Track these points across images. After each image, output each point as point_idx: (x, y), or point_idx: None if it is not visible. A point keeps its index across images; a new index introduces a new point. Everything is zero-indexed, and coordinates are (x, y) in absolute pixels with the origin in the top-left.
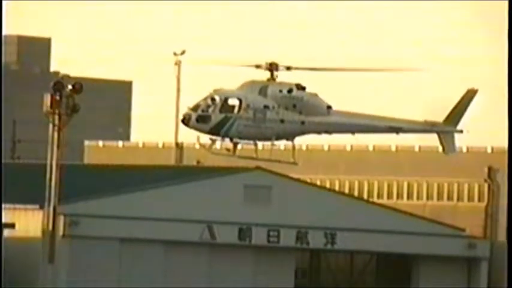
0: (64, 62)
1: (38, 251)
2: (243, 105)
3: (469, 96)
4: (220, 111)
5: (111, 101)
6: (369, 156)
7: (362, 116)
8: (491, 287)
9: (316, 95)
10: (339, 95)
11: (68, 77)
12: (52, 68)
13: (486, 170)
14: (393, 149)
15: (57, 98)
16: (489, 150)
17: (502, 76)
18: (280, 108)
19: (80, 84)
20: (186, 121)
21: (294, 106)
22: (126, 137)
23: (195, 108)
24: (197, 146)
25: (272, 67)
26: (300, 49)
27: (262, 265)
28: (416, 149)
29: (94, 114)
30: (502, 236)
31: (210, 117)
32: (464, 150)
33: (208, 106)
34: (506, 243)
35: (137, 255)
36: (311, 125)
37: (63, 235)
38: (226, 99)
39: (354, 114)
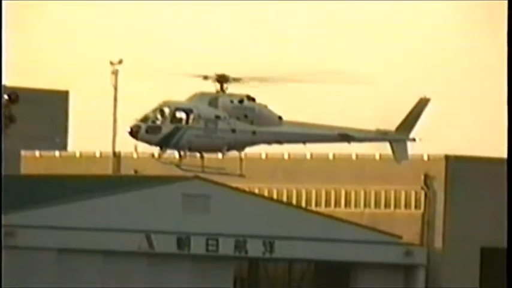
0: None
1: None
2: (194, 115)
3: (422, 104)
4: (171, 122)
5: (47, 111)
6: (306, 165)
7: (313, 125)
8: None
9: (266, 106)
10: (287, 106)
11: (4, 87)
12: None
13: (422, 177)
14: (330, 157)
15: None
16: (425, 158)
17: (453, 82)
18: (231, 119)
19: (15, 94)
20: (134, 133)
21: (246, 116)
22: (63, 146)
23: (143, 119)
24: (135, 156)
25: (222, 79)
26: (244, 60)
27: (201, 274)
28: (354, 157)
29: (30, 124)
30: (438, 243)
31: (160, 128)
32: None
33: (158, 117)
34: (443, 249)
35: (75, 265)
36: (262, 135)
37: (0, 246)
38: (176, 110)
39: (305, 124)
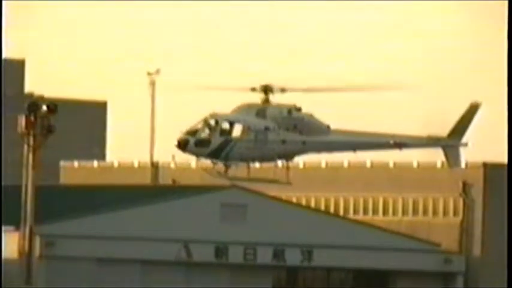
0: (38, 83)
1: (15, 272)
2: (243, 127)
3: (473, 109)
4: (220, 134)
5: (86, 121)
6: (344, 173)
7: (363, 133)
8: None
9: (312, 115)
10: (333, 115)
11: (42, 98)
12: (26, 89)
13: (461, 185)
14: (368, 165)
15: (32, 119)
16: (463, 166)
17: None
18: (280, 129)
19: (54, 105)
20: (182, 146)
21: (295, 126)
22: (102, 157)
23: (191, 132)
24: (172, 165)
25: (267, 89)
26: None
27: (239, 283)
28: (391, 165)
29: (69, 135)
30: (477, 250)
31: (210, 141)
32: (439, 165)
33: (206, 130)
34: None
35: (114, 275)
36: (312, 144)
37: (40, 256)
38: (224, 122)
39: (355, 132)
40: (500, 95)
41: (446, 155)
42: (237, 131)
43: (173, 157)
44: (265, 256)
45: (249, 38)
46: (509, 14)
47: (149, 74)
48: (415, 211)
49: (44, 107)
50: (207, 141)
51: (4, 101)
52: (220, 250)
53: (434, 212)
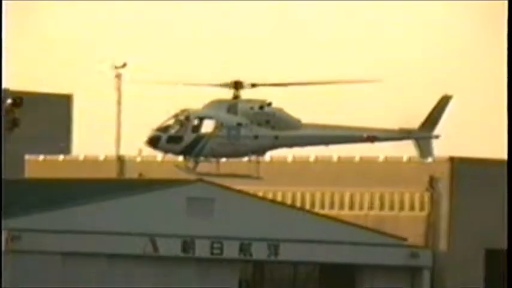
0: (3, 76)
1: None
2: (216, 124)
3: (444, 101)
4: (192, 131)
5: (51, 115)
6: (311, 168)
7: (335, 127)
8: None
9: (282, 109)
10: (303, 109)
11: (7, 91)
12: None
13: (427, 179)
14: (335, 159)
15: None
16: (430, 159)
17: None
18: (253, 125)
19: (20, 98)
20: (153, 142)
21: (267, 122)
22: (67, 150)
23: (162, 129)
24: (139, 159)
25: (237, 85)
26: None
27: (205, 277)
28: (358, 160)
29: (34, 128)
30: (443, 245)
31: (182, 137)
32: (405, 160)
33: (178, 126)
34: (448, 251)
35: (80, 269)
36: (285, 139)
37: (6, 250)
38: (197, 119)
39: (326, 126)
40: (468, 89)
41: (418, 146)
42: (209, 127)
43: (139, 151)
44: (232, 250)
45: (219, 31)
46: (509, 14)
47: (116, 67)
48: (381, 206)
49: (9, 101)
50: (179, 138)
51: None
52: (187, 244)
53: (401, 207)
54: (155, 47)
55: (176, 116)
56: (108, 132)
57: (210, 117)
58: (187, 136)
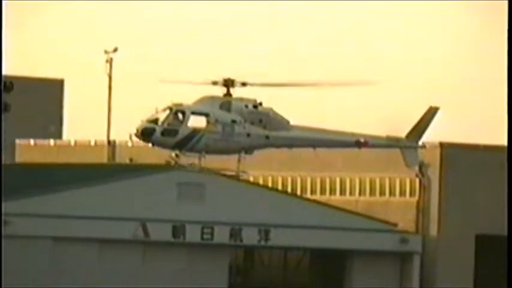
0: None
1: None
2: (211, 119)
3: (431, 112)
4: (187, 125)
5: (42, 100)
6: (301, 153)
7: (323, 131)
8: (423, 281)
9: (272, 109)
10: (289, 111)
11: None
12: None
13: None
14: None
15: None
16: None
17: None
18: (246, 123)
19: (10, 83)
20: (146, 135)
21: (260, 121)
22: (58, 135)
23: (154, 121)
24: (130, 144)
25: (228, 83)
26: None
27: (196, 262)
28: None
29: (25, 113)
30: (433, 230)
31: (177, 131)
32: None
33: (172, 120)
34: (438, 238)
35: (70, 254)
36: (275, 139)
37: None
38: (192, 114)
39: (315, 129)
40: (456, 77)
41: (403, 155)
42: (200, 122)
43: (130, 136)
44: (222, 235)
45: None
46: (509, 14)
47: (106, 52)
48: (372, 191)
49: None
50: (174, 132)
51: None
52: (178, 229)
53: (391, 192)
54: (146, 39)
55: (170, 109)
56: (99, 117)
57: (205, 113)
58: (183, 130)
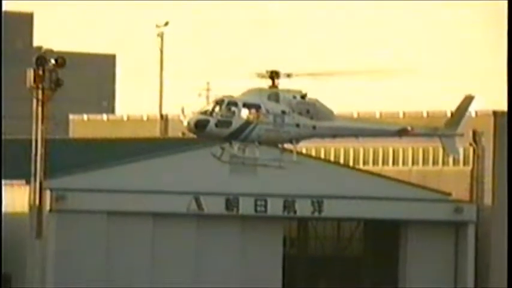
0: (47, 36)
1: (26, 226)
2: (263, 110)
3: (467, 101)
4: (240, 116)
5: (94, 75)
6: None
7: (366, 120)
8: (478, 250)
9: (318, 100)
10: (330, 101)
11: (50, 51)
12: (35, 43)
13: (471, 133)
14: (377, 115)
15: (40, 72)
16: (473, 114)
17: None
18: (295, 114)
19: (62, 58)
20: (200, 126)
21: (308, 111)
22: (111, 110)
23: (208, 113)
24: (182, 118)
25: (274, 75)
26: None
27: (250, 235)
28: (401, 115)
29: (78, 88)
30: (488, 199)
31: (231, 122)
32: (449, 114)
33: (225, 112)
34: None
35: (125, 228)
36: (321, 129)
37: (50, 210)
38: (243, 106)
39: (358, 119)
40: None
41: (442, 143)
42: (254, 114)
43: (182, 110)
44: (275, 208)
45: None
46: (509, 14)
47: (157, 26)
48: (425, 161)
49: (53, 61)
50: (228, 123)
51: (13, 55)
52: (231, 202)
53: (445, 162)
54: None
55: (221, 101)
56: (151, 92)
57: (257, 104)
58: (236, 121)
